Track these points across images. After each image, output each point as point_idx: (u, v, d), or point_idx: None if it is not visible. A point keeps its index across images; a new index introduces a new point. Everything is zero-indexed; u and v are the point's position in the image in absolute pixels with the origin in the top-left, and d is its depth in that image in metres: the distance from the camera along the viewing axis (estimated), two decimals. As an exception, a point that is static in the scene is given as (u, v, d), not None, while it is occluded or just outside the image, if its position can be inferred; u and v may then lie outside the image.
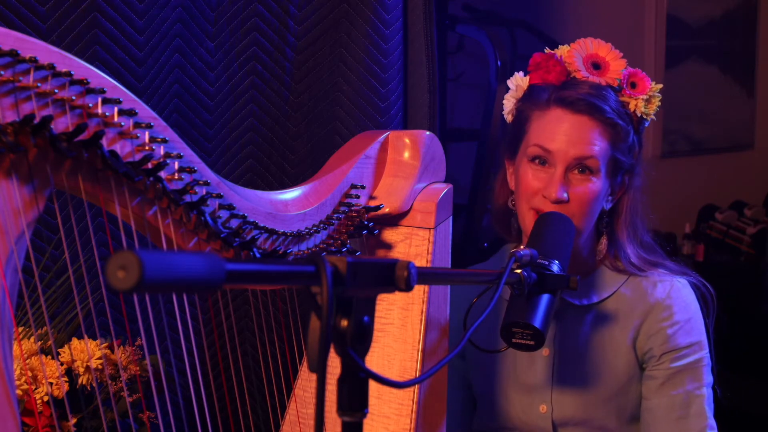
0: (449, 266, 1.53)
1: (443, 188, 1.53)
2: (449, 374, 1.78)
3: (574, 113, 1.62)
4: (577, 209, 1.62)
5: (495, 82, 2.67)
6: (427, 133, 1.54)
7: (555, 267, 1.43)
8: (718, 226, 3.76)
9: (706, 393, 1.69)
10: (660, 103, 1.68)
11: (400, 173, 1.50)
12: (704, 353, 1.70)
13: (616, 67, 1.67)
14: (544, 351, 1.71)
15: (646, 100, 1.66)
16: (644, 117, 1.68)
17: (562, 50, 1.69)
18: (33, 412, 1.30)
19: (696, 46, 4.14)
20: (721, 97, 4.23)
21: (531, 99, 1.68)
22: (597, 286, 1.72)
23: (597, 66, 1.67)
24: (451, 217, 1.55)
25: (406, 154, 1.51)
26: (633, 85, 1.67)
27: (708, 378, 1.70)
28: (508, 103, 1.73)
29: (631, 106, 1.66)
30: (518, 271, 1.33)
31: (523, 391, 1.73)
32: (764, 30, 4.37)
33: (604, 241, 1.73)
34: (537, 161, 1.64)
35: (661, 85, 1.68)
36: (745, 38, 4.36)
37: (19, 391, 1.27)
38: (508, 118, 1.74)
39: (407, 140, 1.51)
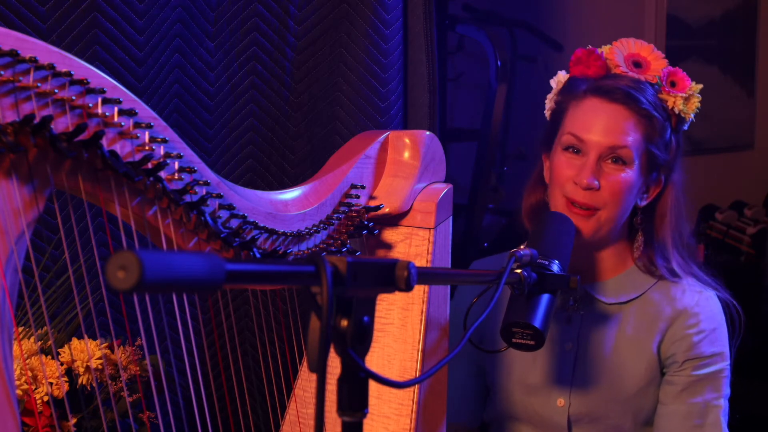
0: (449, 266, 1.53)
1: (443, 188, 1.53)
2: (464, 362, 1.78)
3: (610, 102, 1.62)
4: (609, 198, 1.61)
5: (495, 82, 2.67)
6: (427, 133, 1.54)
7: (555, 267, 1.43)
8: (718, 226, 3.76)
9: (724, 404, 1.69)
10: (699, 104, 1.68)
11: (400, 173, 1.50)
12: (726, 364, 1.70)
13: (657, 66, 1.68)
14: (567, 345, 1.71)
15: (685, 99, 1.66)
16: (683, 115, 1.67)
17: (604, 48, 1.71)
18: (33, 412, 1.30)
19: (696, 46, 4.14)
20: (721, 97, 4.22)
21: (569, 91, 1.69)
22: (626, 286, 1.71)
23: (638, 64, 1.69)
24: (451, 217, 1.55)
25: (406, 154, 1.51)
26: (673, 84, 1.67)
27: (726, 390, 1.70)
28: (548, 101, 1.75)
29: (670, 103, 1.66)
30: (518, 271, 1.33)
31: (541, 384, 1.72)
32: (764, 30, 4.36)
33: (640, 239, 1.72)
34: (571, 149, 1.65)
35: (701, 86, 1.68)
36: (745, 38, 4.36)
37: (19, 391, 1.27)
38: (547, 114, 1.75)
39: (407, 140, 1.51)
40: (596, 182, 1.61)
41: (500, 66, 2.68)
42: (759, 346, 3.31)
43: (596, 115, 1.63)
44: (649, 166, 1.65)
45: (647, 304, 1.70)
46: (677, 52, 4.02)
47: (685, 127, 1.71)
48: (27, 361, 1.31)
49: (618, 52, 1.69)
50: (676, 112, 1.67)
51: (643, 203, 1.70)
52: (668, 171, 1.69)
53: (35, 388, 1.30)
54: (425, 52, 1.99)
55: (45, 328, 1.36)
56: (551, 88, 1.75)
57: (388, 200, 1.48)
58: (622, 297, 1.71)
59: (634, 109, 1.62)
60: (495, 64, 2.69)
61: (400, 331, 1.45)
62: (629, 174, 1.62)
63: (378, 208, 1.45)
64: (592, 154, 1.61)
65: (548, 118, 1.75)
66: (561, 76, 1.73)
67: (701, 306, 1.69)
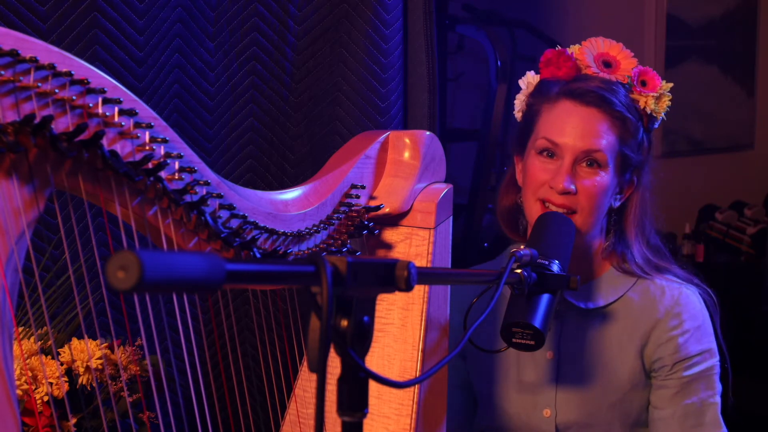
0: (449, 266, 1.53)
1: (443, 188, 1.53)
2: (450, 374, 1.78)
3: (584, 105, 1.61)
4: (585, 202, 1.61)
5: (495, 82, 2.67)
6: (428, 133, 1.54)
7: (555, 267, 1.43)
8: (718, 226, 3.76)
9: (719, 401, 1.68)
10: (670, 102, 1.68)
11: (401, 173, 1.50)
12: (715, 360, 1.69)
13: (627, 65, 1.67)
14: (548, 354, 1.70)
15: (656, 98, 1.66)
16: (654, 115, 1.67)
17: (574, 48, 1.69)
18: (33, 412, 1.30)
19: (696, 46, 4.14)
20: (721, 97, 4.22)
21: (541, 93, 1.68)
22: (604, 290, 1.71)
23: (608, 64, 1.68)
24: (451, 217, 1.55)
25: (406, 154, 1.51)
26: (643, 83, 1.66)
27: (719, 386, 1.69)
28: (519, 101, 1.73)
29: (642, 103, 1.65)
30: (518, 271, 1.33)
31: (526, 394, 1.72)
32: (764, 30, 4.37)
33: (611, 238, 1.71)
34: (545, 153, 1.64)
35: (671, 84, 1.67)
36: (745, 38, 4.36)
37: (19, 391, 1.27)
38: (518, 115, 1.74)
39: (407, 140, 1.51)
40: (572, 186, 1.60)
41: (500, 66, 2.68)
42: (759, 346, 3.31)
43: (570, 119, 1.62)
44: (622, 167, 1.65)
45: (627, 307, 1.69)
46: (677, 52, 4.03)
47: (656, 125, 1.70)
48: (27, 361, 1.31)
49: (588, 52, 1.68)
50: (648, 111, 1.66)
51: (617, 204, 1.69)
52: (639, 172, 1.69)
53: (35, 388, 1.30)
54: (425, 52, 1.99)
55: (45, 328, 1.36)
56: None
57: (388, 200, 1.48)
58: (600, 301, 1.70)
59: (608, 112, 1.61)
60: (495, 64, 2.69)
61: (400, 331, 1.45)
62: (604, 177, 1.61)
63: (378, 208, 1.45)
64: (567, 158, 1.61)
65: (519, 120, 1.74)
66: (530, 77, 1.72)
67: (683, 305, 1.68)
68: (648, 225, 1.72)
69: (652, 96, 1.65)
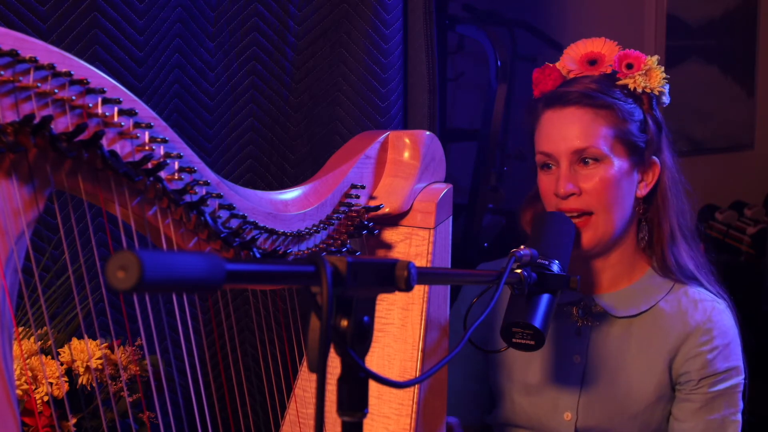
0: (449, 266, 1.53)
1: (443, 188, 1.53)
2: (467, 366, 1.77)
3: (564, 107, 1.62)
4: (596, 201, 1.61)
5: (495, 82, 2.67)
6: (427, 133, 1.54)
7: (555, 267, 1.43)
8: (718, 226, 3.75)
9: (740, 419, 1.68)
10: (664, 74, 1.66)
11: (400, 173, 1.50)
12: (741, 378, 1.69)
13: (611, 54, 1.67)
14: (576, 358, 1.70)
15: (643, 75, 1.64)
16: (649, 92, 1.65)
17: (558, 63, 1.71)
18: (33, 412, 1.30)
19: (696, 46, 4.14)
20: (721, 97, 4.22)
21: (531, 112, 1.69)
22: (638, 297, 1.70)
23: (593, 62, 1.67)
24: (451, 217, 1.55)
25: (406, 154, 1.51)
26: (629, 66, 1.65)
27: (741, 404, 1.69)
28: None
29: (631, 85, 1.64)
30: (518, 271, 1.33)
31: (548, 396, 1.71)
32: (764, 30, 4.36)
33: (644, 229, 1.70)
34: (545, 167, 1.66)
35: (657, 57, 1.66)
36: (745, 38, 4.36)
37: (19, 391, 1.27)
38: None
39: (407, 140, 1.51)
40: (575, 187, 1.61)
41: (500, 66, 2.68)
42: (759, 346, 3.31)
43: (554, 125, 1.63)
44: (629, 152, 1.63)
45: (658, 318, 1.68)
46: (677, 52, 4.02)
47: (666, 101, 1.68)
48: (27, 361, 1.31)
49: (569, 58, 1.69)
50: (640, 90, 1.64)
51: (644, 192, 1.67)
52: (657, 152, 1.67)
53: (35, 388, 1.30)
54: (425, 52, 1.99)
55: (45, 328, 1.36)
56: None
57: (388, 200, 1.48)
58: (632, 310, 1.69)
59: (589, 105, 1.61)
60: (495, 64, 2.69)
61: (400, 331, 1.45)
62: (608, 170, 1.60)
63: (378, 208, 1.45)
64: (562, 163, 1.61)
65: None
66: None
67: (714, 321, 1.67)
68: (686, 207, 1.70)
69: (639, 74, 1.64)
